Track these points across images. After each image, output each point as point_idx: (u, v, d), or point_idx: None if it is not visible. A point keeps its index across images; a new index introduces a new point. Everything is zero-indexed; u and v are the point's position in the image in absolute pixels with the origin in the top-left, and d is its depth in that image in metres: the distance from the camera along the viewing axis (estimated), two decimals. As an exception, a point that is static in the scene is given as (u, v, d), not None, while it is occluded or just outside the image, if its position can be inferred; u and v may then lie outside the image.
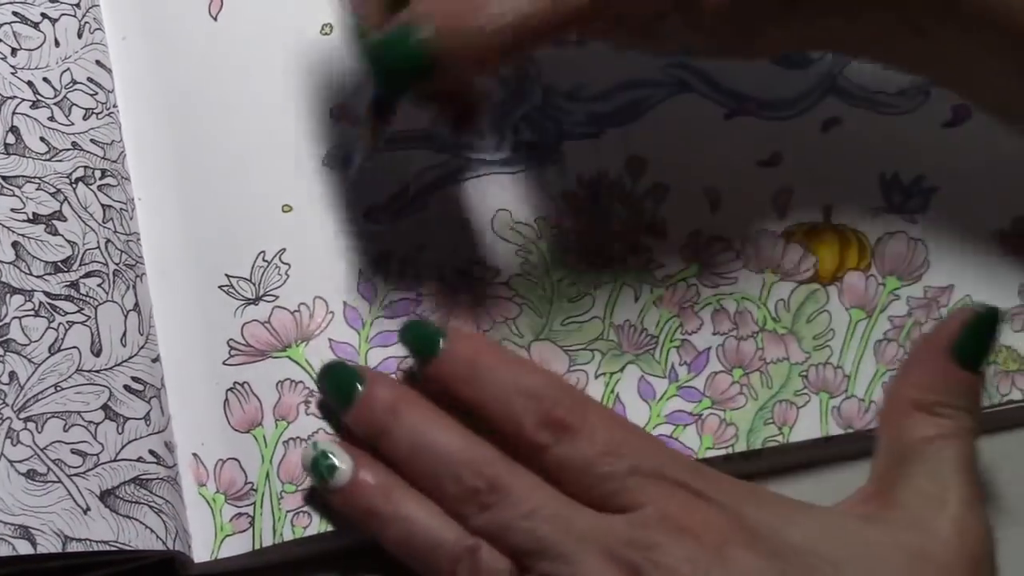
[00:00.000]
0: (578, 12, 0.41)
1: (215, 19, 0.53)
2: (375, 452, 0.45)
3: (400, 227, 0.51)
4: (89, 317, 0.46)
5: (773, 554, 0.41)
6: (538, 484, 0.43)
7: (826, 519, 0.43)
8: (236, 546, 0.46)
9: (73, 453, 0.44)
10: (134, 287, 0.48)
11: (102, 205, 0.49)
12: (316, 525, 0.46)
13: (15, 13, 0.51)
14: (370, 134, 0.46)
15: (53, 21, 0.52)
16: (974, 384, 0.45)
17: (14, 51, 0.50)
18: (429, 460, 0.44)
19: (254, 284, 0.50)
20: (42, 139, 0.49)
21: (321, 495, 0.46)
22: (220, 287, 0.49)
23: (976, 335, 0.45)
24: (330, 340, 0.49)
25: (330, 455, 0.45)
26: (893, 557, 0.41)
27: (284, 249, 0.50)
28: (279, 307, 0.49)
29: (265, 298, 0.49)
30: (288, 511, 0.46)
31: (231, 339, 0.49)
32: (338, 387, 0.46)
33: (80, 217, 0.48)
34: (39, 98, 0.50)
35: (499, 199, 0.51)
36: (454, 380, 0.45)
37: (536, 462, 0.44)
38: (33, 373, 0.45)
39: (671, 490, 0.43)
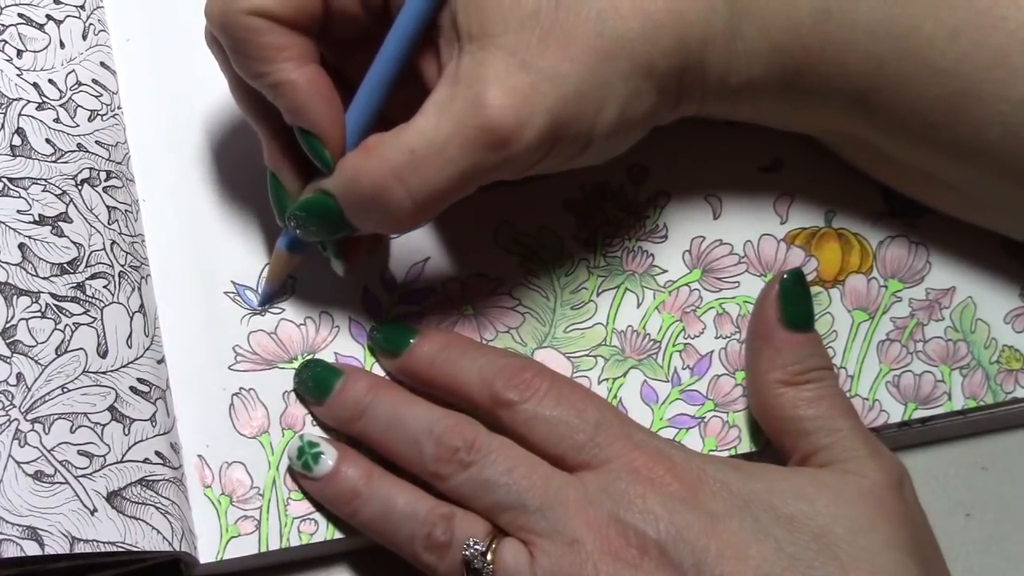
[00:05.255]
0: (462, 183, 0.44)
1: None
2: (355, 446, 0.47)
3: (404, 240, 0.51)
4: (95, 319, 0.46)
5: (742, 500, 0.43)
6: (513, 444, 0.45)
7: (782, 472, 0.45)
8: (241, 548, 0.46)
9: (80, 454, 0.44)
10: (139, 288, 0.48)
11: (107, 207, 0.49)
12: (323, 532, 0.46)
13: (20, 15, 0.51)
14: (277, 271, 0.49)
15: (58, 23, 0.52)
16: (816, 341, 0.47)
17: (20, 53, 0.50)
18: (409, 427, 0.45)
19: (265, 304, 0.50)
20: (48, 141, 0.49)
21: (304, 485, 0.46)
22: (226, 293, 0.49)
23: (794, 298, 0.47)
24: (336, 354, 0.49)
25: (316, 445, 0.46)
26: (848, 493, 0.43)
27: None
28: (285, 319, 0.49)
29: (271, 310, 0.49)
30: (295, 518, 0.46)
31: (237, 345, 0.49)
32: (317, 380, 0.48)
33: (86, 219, 0.48)
34: (44, 100, 0.50)
35: (502, 210, 0.51)
36: (427, 366, 0.47)
37: (508, 424, 0.45)
38: (40, 375, 0.45)
39: (636, 448, 0.44)
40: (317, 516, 0.47)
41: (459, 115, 0.43)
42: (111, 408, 0.45)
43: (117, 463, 0.44)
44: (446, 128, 0.43)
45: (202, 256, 0.50)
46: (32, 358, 0.45)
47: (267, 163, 0.47)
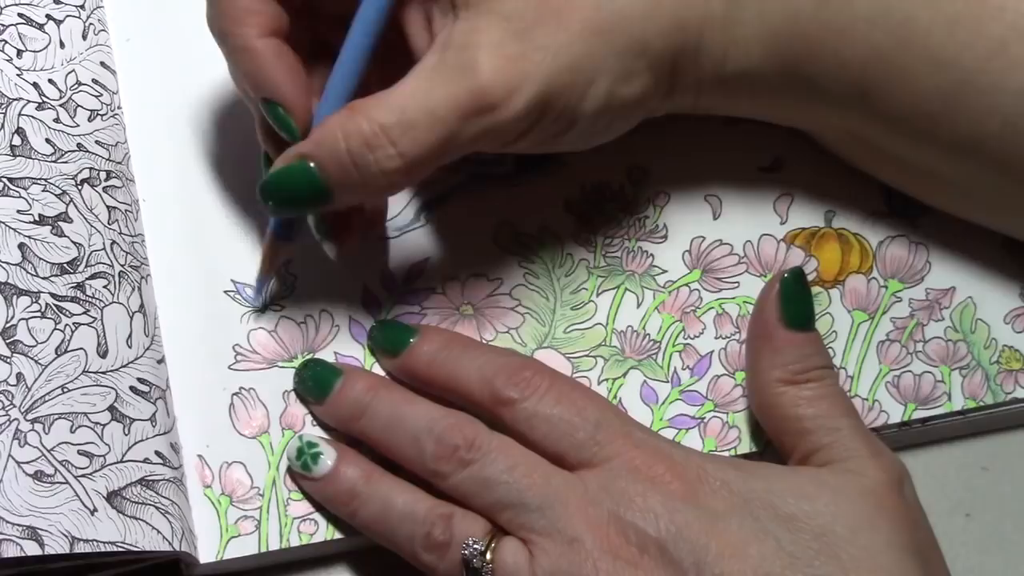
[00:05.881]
0: (448, 146, 0.44)
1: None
2: (355, 445, 0.47)
3: (404, 240, 0.51)
4: (95, 319, 0.46)
5: (742, 499, 0.43)
6: (514, 443, 0.45)
7: (782, 471, 0.45)
8: (241, 548, 0.46)
9: (80, 454, 0.44)
10: (139, 288, 0.48)
11: (107, 206, 0.49)
12: (323, 532, 0.46)
13: (20, 15, 0.51)
14: (267, 261, 0.48)
15: (58, 23, 0.52)
16: (816, 340, 0.47)
17: (20, 53, 0.50)
18: (409, 426, 0.45)
19: (260, 293, 0.49)
20: (48, 140, 0.49)
21: (303, 485, 0.46)
22: (226, 292, 0.49)
23: (794, 298, 0.47)
24: (336, 354, 0.49)
25: (315, 445, 0.46)
26: (849, 492, 0.43)
27: (290, 260, 0.50)
28: (285, 318, 0.49)
29: (272, 307, 0.49)
30: (295, 518, 0.46)
31: (237, 344, 0.49)
32: (317, 380, 0.47)
33: (86, 219, 0.48)
34: (44, 100, 0.50)
35: (502, 211, 0.51)
36: (427, 364, 0.47)
37: (508, 423, 0.45)
38: (40, 374, 0.45)
39: (636, 447, 0.44)
40: (317, 516, 0.47)
41: (451, 77, 0.43)
42: (111, 408, 0.45)
43: (117, 463, 0.44)
44: (437, 89, 0.43)
45: (202, 256, 0.50)
46: (32, 358, 0.45)
47: (261, 142, 0.47)
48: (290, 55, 0.45)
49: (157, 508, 0.44)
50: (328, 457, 0.46)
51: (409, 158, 0.44)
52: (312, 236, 0.48)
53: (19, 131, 0.49)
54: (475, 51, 0.43)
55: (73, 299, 0.46)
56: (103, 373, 0.46)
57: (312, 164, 0.44)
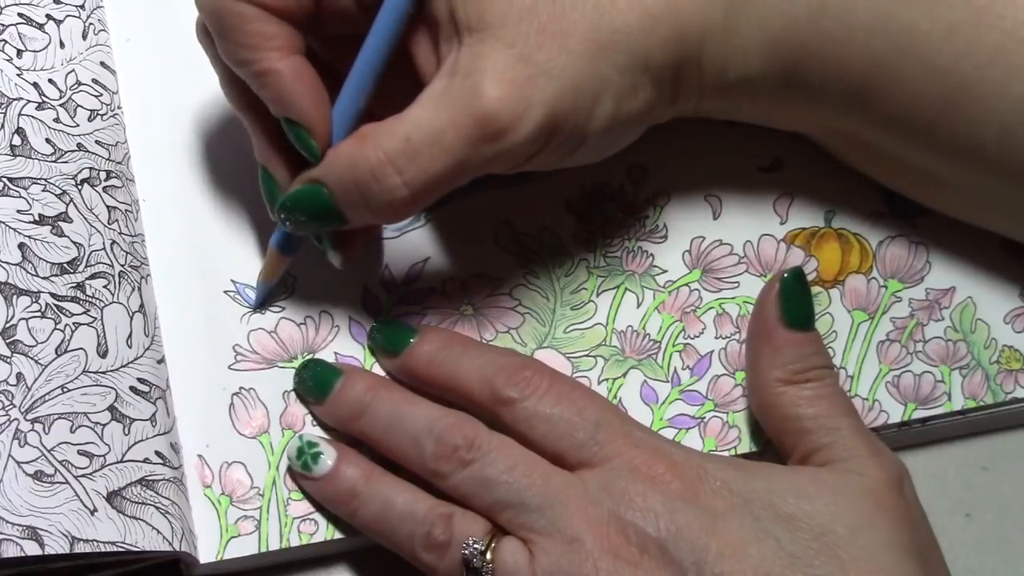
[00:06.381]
0: (456, 173, 0.44)
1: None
2: (355, 445, 0.47)
3: (404, 240, 0.51)
4: (95, 319, 0.46)
5: (742, 499, 0.43)
6: (514, 443, 0.45)
7: (782, 471, 0.45)
8: (241, 548, 0.46)
9: (80, 454, 0.44)
10: (139, 288, 0.48)
11: (107, 206, 0.49)
12: (323, 532, 0.46)
13: (20, 15, 0.51)
14: (270, 271, 0.49)
15: (58, 23, 0.52)
16: (816, 340, 0.47)
17: (20, 53, 0.51)
18: (409, 426, 0.45)
19: (259, 298, 0.49)
20: (48, 140, 0.49)
21: (303, 485, 0.46)
22: (226, 292, 0.49)
23: (794, 297, 0.47)
24: (336, 354, 0.49)
25: (315, 445, 0.46)
26: (849, 492, 0.43)
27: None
28: (285, 318, 0.49)
29: (272, 308, 0.49)
30: (295, 518, 0.46)
31: (237, 344, 0.49)
32: (317, 380, 0.48)
33: (86, 219, 0.48)
34: (44, 99, 0.50)
35: (502, 211, 0.51)
36: (427, 364, 0.47)
37: (508, 422, 0.45)
38: (40, 374, 0.45)
39: (636, 446, 0.44)
40: (317, 516, 0.47)
41: (456, 105, 0.43)
42: (111, 408, 0.45)
43: (117, 463, 0.44)
44: (442, 117, 0.43)
45: (202, 256, 0.50)
46: (32, 358, 0.45)
47: (257, 157, 0.47)
48: (311, 73, 0.45)
49: (157, 508, 0.44)
50: (328, 457, 0.46)
51: (414, 187, 0.44)
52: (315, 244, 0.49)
53: (19, 131, 0.49)
54: (480, 77, 0.43)
55: (73, 299, 0.46)
56: (103, 373, 0.46)
57: (324, 189, 0.45)
